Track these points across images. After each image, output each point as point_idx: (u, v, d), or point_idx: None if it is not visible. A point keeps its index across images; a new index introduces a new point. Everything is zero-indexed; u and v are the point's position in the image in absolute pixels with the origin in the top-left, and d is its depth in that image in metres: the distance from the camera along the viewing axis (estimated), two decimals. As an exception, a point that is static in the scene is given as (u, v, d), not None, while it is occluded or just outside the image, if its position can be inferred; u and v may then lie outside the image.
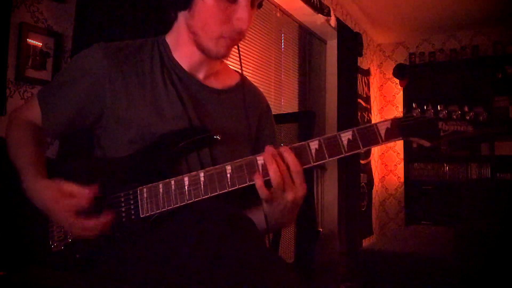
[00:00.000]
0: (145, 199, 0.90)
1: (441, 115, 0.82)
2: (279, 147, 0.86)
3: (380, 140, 0.83)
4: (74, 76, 1.02)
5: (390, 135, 0.83)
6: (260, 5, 1.04)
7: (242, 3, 0.94)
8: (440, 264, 2.45)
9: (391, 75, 4.86)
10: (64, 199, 0.87)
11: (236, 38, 0.99)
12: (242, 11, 0.94)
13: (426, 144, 0.84)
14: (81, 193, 0.87)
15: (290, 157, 0.84)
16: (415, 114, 0.84)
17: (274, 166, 0.83)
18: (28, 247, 0.96)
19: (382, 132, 0.83)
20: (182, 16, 1.02)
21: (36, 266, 0.93)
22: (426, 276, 2.44)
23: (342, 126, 3.56)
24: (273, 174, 0.83)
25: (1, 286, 0.88)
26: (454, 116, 0.82)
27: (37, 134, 1.04)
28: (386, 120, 0.84)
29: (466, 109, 0.82)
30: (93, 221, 0.87)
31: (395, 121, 0.84)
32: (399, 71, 4.63)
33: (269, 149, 0.85)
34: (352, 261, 3.55)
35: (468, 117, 0.82)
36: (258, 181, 0.84)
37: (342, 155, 0.84)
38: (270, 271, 0.72)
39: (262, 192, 0.84)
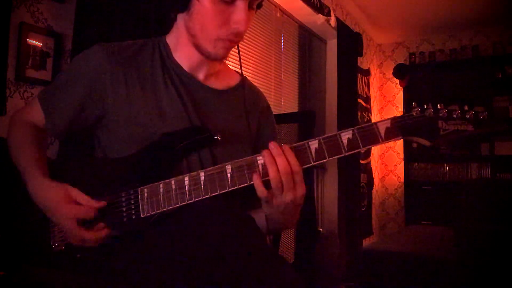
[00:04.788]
0: (145, 199, 0.90)
1: (441, 114, 0.82)
2: (281, 146, 0.85)
3: (380, 139, 0.83)
4: (75, 76, 1.02)
5: (390, 135, 0.83)
6: (259, 6, 1.03)
7: (240, 5, 0.94)
8: (440, 264, 2.45)
9: (391, 75, 4.86)
10: (69, 204, 0.88)
11: (234, 40, 0.98)
12: (239, 13, 0.94)
13: (426, 143, 0.83)
14: (87, 204, 0.88)
15: (290, 156, 0.84)
16: (414, 113, 0.83)
17: (274, 167, 0.83)
18: (28, 247, 0.96)
19: (382, 132, 0.83)
20: (181, 18, 1.02)
21: (36, 266, 0.93)
22: (426, 276, 2.44)
23: (342, 126, 3.55)
24: (273, 175, 0.83)
25: (1, 286, 0.88)
26: (454, 115, 0.82)
27: (38, 135, 1.04)
28: (386, 120, 0.84)
29: (466, 108, 0.82)
30: (91, 234, 0.88)
31: (395, 120, 0.84)
32: (399, 71, 4.63)
33: (272, 146, 0.85)
34: (352, 261, 3.55)
35: (468, 116, 0.82)
36: (257, 181, 0.84)
37: (342, 155, 0.84)
38: (271, 270, 0.72)
39: (261, 191, 0.84)
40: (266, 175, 0.84)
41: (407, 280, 2.49)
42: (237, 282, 0.69)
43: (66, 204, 0.88)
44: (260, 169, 0.85)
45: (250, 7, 0.97)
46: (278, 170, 0.83)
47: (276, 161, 0.83)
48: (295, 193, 0.85)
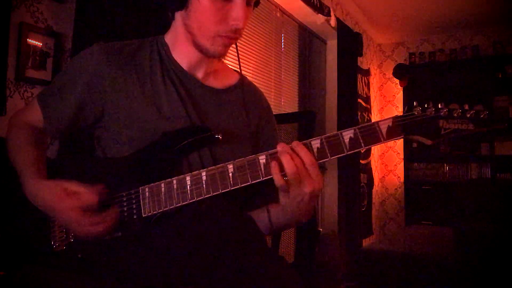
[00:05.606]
0: (147, 198, 0.90)
1: (442, 113, 0.82)
2: (291, 143, 0.85)
3: (381, 138, 0.83)
4: (74, 76, 1.01)
5: (392, 133, 0.83)
6: (257, 4, 1.03)
7: (238, 1, 0.94)
8: (440, 264, 2.44)
9: (391, 75, 4.87)
10: (69, 198, 0.87)
11: (233, 37, 0.98)
12: (237, 10, 0.94)
13: (427, 142, 0.83)
14: (87, 192, 0.87)
15: (302, 151, 0.83)
16: (416, 113, 0.83)
17: (288, 157, 0.82)
18: (29, 247, 0.96)
19: (384, 130, 0.83)
20: (179, 16, 1.02)
21: (36, 266, 0.93)
22: (426, 276, 2.44)
23: (342, 126, 3.56)
24: (287, 165, 0.82)
25: (1, 286, 0.88)
26: (455, 114, 0.82)
27: (37, 136, 1.04)
28: (387, 119, 0.84)
29: (466, 107, 0.82)
30: (101, 216, 0.87)
31: (396, 119, 0.83)
32: (399, 71, 4.63)
33: (281, 144, 0.85)
34: (352, 261, 3.55)
35: (469, 115, 0.82)
36: (274, 169, 0.83)
37: (344, 154, 0.84)
38: (271, 270, 0.72)
39: (279, 179, 0.83)
40: (269, 174, 0.84)
41: (407, 280, 2.49)
42: (236, 282, 0.69)
43: (66, 197, 0.87)
44: (262, 169, 0.85)
45: (248, 3, 0.97)
46: (292, 161, 0.82)
47: (290, 153, 0.83)
48: (314, 185, 0.84)
